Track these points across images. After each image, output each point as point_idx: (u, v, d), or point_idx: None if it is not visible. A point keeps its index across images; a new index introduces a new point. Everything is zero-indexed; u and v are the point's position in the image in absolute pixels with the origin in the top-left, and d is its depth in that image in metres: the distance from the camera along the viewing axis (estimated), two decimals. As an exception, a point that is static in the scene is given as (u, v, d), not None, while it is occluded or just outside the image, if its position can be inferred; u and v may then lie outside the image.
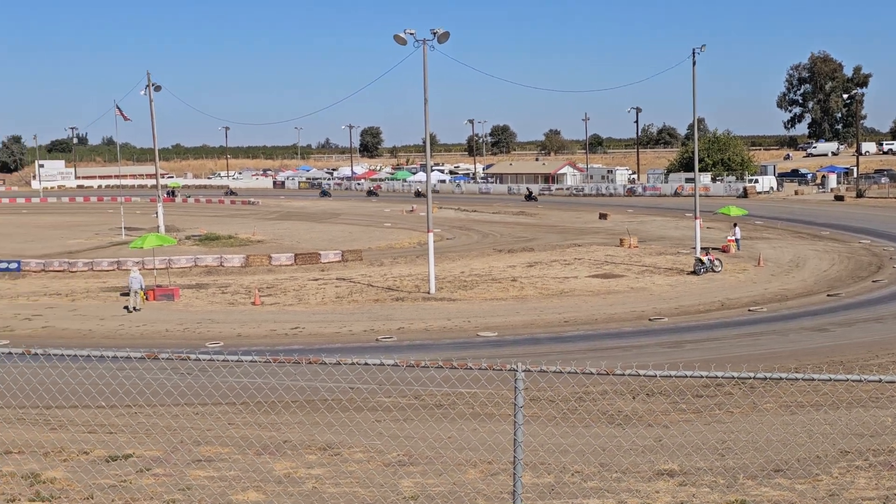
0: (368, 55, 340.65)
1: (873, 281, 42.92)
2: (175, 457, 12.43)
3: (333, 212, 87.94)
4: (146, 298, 39.44)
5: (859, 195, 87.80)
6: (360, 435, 14.83)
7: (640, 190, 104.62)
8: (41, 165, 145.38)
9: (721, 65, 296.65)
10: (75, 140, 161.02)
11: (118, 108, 68.36)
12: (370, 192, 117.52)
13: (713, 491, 10.30)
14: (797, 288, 41.78)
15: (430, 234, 42.18)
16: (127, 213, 75.00)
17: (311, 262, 51.33)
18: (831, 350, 28.52)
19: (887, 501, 9.77)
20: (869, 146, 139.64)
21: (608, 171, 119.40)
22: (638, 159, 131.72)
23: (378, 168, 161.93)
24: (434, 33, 40.04)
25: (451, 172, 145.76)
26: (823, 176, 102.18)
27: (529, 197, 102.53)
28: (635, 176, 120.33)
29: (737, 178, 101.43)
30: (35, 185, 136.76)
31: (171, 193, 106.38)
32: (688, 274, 45.10)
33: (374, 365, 7.81)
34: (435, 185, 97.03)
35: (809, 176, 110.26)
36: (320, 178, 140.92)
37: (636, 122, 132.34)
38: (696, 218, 49.65)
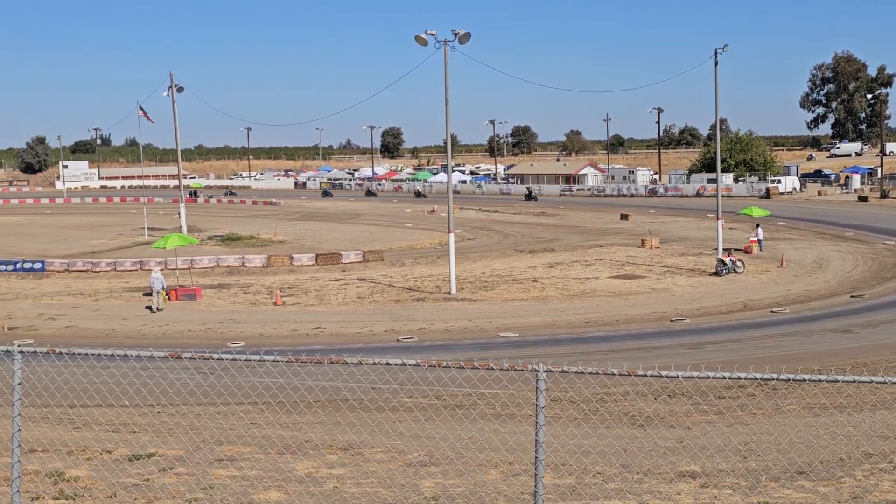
0: (390, 56, 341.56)
1: (898, 282, 42.60)
2: (197, 456, 12.50)
3: (354, 212, 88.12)
4: (168, 298, 39.66)
5: (883, 196, 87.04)
6: (382, 435, 14.85)
7: (661, 191, 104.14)
8: (65, 166, 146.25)
9: (744, 65, 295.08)
10: (99, 141, 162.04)
11: (141, 109, 68.74)
12: (369, 193, 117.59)
13: (735, 493, 10.25)
14: (820, 289, 41.51)
15: (451, 235, 42.18)
16: (150, 213, 75.41)
17: (333, 262, 51.46)
18: (855, 351, 28.32)
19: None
20: (893, 146, 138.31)
21: (629, 172, 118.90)
22: (659, 160, 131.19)
23: (399, 168, 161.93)
24: (455, 34, 40.06)
25: (471, 173, 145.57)
26: (847, 176, 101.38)
27: (529, 196, 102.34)
28: (657, 176, 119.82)
29: (759, 179, 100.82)
30: (59, 185, 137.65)
31: (194, 194, 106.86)
32: (710, 275, 44.90)
33: (395, 365, 7.82)
34: (456, 186, 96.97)
35: (833, 176, 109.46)
36: (341, 179, 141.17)
37: (658, 122, 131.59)
38: (718, 219, 49.43)
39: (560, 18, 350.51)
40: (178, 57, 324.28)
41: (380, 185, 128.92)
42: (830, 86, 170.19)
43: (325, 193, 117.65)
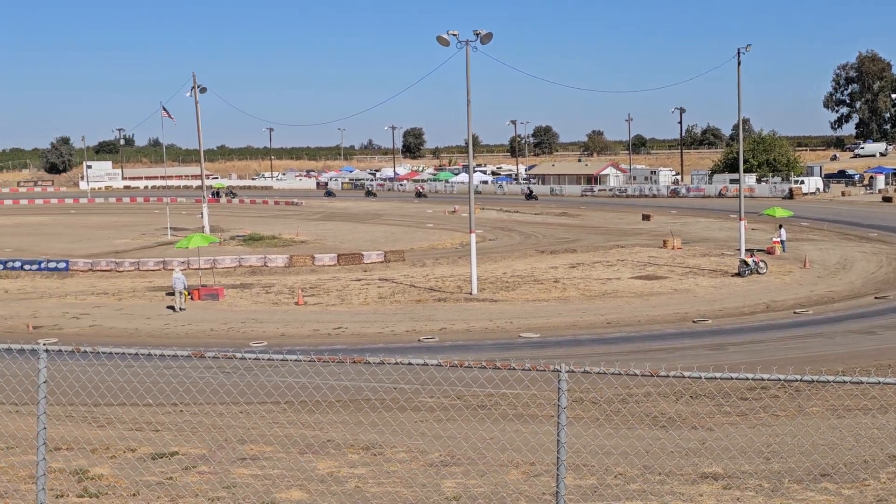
0: (411, 56, 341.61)
1: (923, 283, 42.25)
2: (220, 455, 12.57)
3: (376, 213, 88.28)
4: (191, 298, 39.87)
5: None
6: (403, 435, 14.88)
7: (683, 191, 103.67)
8: (89, 166, 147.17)
9: (766, 65, 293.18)
10: (122, 141, 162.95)
11: (164, 109, 69.18)
12: (368, 193, 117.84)
13: (758, 495, 10.20)
14: (844, 290, 41.22)
15: (473, 235, 42.18)
16: (172, 213, 75.85)
17: (354, 262, 51.57)
18: (879, 353, 28.11)
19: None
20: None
21: (651, 172, 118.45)
22: (682, 160, 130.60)
23: (420, 169, 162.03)
24: (477, 34, 40.06)
25: (493, 173, 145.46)
26: (871, 177, 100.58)
27: (530, 196, 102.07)
28: (679, 177, 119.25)
29: (782, 179, 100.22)
30: (83, 185, 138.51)
31: (216, 194, 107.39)
32: (732, 276, 44.68)
33: (417, 365, 7.82)
34: (477, 186, 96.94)
35: (857, 177, 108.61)
36: (363, 179, 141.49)
37: (680, 122, 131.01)
38: (740, 219, 49.19)
39: (582, 19, 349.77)
40: (201, 57, 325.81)
41: (382, 184, 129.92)
42: (854, 85, 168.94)
43: (329, 194, 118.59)
